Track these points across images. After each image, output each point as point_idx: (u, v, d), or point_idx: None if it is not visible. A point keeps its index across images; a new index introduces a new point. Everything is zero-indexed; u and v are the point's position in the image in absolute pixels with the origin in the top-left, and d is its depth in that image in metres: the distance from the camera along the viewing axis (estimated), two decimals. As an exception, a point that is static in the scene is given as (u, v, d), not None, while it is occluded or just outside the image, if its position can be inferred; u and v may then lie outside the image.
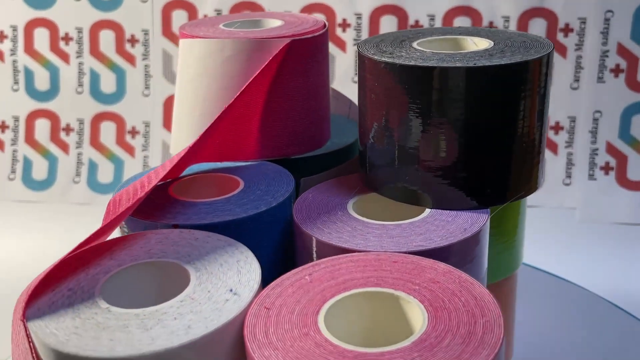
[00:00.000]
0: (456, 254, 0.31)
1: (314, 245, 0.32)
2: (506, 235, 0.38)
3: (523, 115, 0.32)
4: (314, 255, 0.32)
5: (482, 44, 0.35)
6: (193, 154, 0.38)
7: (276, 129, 0.41)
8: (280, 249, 0.35)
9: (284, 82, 0.39)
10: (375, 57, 0.33)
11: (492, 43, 0.35)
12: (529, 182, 0.34)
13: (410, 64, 0.32)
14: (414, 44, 0.35)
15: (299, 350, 0.24)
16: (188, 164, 0.40)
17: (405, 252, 0.30)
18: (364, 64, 0.34)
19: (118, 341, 0.24)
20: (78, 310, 0.27)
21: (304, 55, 0.40)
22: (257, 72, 0.38)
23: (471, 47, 0.36)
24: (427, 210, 0.34)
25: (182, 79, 0.41)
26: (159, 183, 0.38)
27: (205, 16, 0.80)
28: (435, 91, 0.31)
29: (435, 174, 0.33)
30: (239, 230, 0.34)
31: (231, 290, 0.27)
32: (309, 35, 0.39)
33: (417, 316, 0.25)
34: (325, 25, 0.42)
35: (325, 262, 0.29)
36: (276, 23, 0.43)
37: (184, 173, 0.40)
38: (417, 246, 0.30)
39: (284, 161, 0.41)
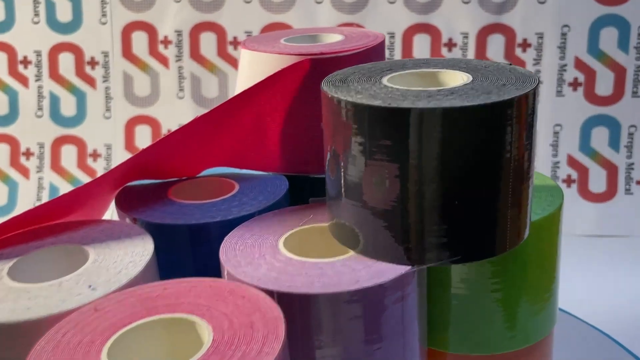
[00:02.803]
0: (326, 307, 0.29)
1: (225, 272, 0.32)
2: (536, 292, 0.35)
3: (502, 162, 0.29)
4: (225, 275, 0.32)
5: (458, 78, 0.33)
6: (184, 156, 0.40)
7: (292, 145, 0.41)
8: None
9: (302, 100, 0.39)
10: (329, 93, 0.31)
11: (470, 77, 0.32)
12: (488, 241, 0.31)
13: (363, 102, 0.29)
14: (384, 80, 0.33)
15: (65, 345, 0.25)
16: (203, 167, 0.42)
17: (276, 290, 0.29)
18: (322, 98, 0.32)
19: None
20: None
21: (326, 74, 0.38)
22: (248, 87, 0.38)
23: (448, 83, 0.33)
24: (348, 254, 0.32)
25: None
26: (165, 180, 0.42)
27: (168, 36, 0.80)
28: (395, 132, 0.29)
29: (379, 217, 0.31)
30: (187, 235, 0.36)
31: (90, 286, 0.29)
32: (332, 55, 0.38)
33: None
34: (376, 44, 0.40)
35: (180, 282, 0.29)
36: (336, 38, 0.43)
37: (202, 174, 0.43)
38: (290, 287, 0.29)
39: (304, 179, 0.42)
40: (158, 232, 0.36)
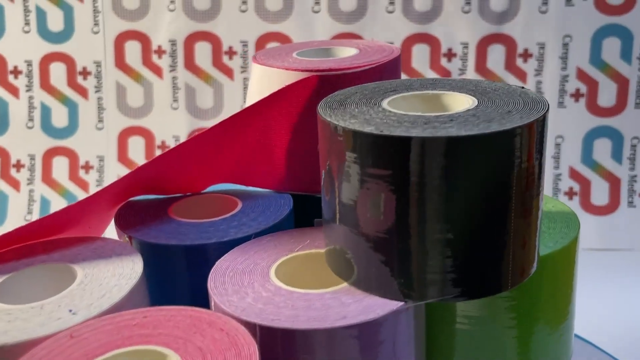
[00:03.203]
0: (309, 343, 0.28)
1: (212, 300, 0.31)
2: (551, 325, 0.33)
3: (506, 194, 0.28)
4: (211, 302, 0.31)
5: (463, 102, 0.31)
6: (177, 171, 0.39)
7: (298, 163, 0.40)
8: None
9: (310, 117, 0.37)
10: (323, 116, 0.30)
11: (476, 102, 0.30)
12: (488, 278, 0.29)
13: (356, 128, 0.28)
14: (385, 102, 0.31)
15: None
16: (207, 183, 0.41)
17: (259, 323, 0.28)
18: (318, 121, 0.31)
19: None
20: None
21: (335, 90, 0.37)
22: (254, 103, 0.37)
23: (452, 107, 0.32)
24: (340, 285, 0.31)
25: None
26: (168, 196, 0.41)
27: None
28: (396, 160, 0.27)
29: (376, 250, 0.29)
30: (182, 256, 0.35)
31: (70, 311, 0.29)
32: (341, 72, 0.37)
33: None
34: (388, 60, 0.39)
35: (161, 310, 0.29)
36: (350, 52, 0.42)
37: (207, 190, 0.42)
38: (272, 321, 0.28)
39: (311, 198, 0.40)
40: (152, 252, 0.35)
